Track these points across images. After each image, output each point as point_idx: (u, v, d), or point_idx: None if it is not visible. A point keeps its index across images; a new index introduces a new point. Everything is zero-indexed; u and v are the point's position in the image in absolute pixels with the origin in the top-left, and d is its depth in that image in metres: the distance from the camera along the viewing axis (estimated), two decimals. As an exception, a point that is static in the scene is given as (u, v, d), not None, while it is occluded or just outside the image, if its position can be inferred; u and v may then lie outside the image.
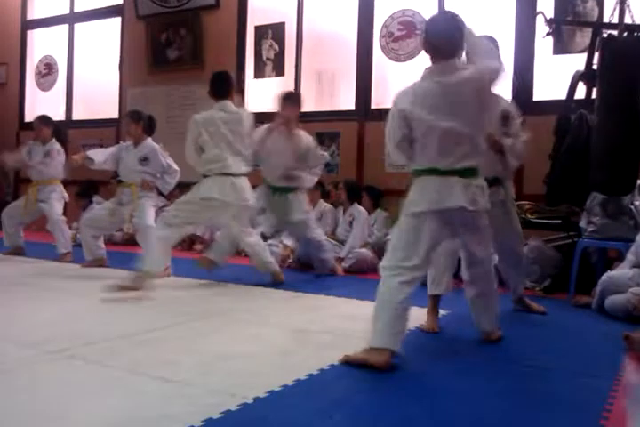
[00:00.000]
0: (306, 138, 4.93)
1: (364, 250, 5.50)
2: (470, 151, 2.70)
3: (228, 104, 4.40)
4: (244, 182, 4.37)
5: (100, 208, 5.46)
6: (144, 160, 5.13)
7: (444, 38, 2.74)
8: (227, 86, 4.46)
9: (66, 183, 5.99)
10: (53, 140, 5.84)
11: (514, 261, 3.78)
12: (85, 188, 7.12)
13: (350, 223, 5.75)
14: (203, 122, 4.34)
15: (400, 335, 2.60)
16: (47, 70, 9.27)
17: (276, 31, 7.27)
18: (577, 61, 5.07)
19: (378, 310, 2.62)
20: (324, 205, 5.98)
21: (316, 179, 5.25)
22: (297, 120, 4.88)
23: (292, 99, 4.88)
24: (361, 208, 5.78)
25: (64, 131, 6.19)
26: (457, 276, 3.41)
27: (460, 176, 2.68)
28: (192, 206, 4.30)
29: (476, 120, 2.71)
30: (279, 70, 7.25)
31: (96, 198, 7.20)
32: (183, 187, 7.02)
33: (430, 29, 2.81)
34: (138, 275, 4.05)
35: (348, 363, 2.57)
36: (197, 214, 4.35)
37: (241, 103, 5.03)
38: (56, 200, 5.76)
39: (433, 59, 2.76)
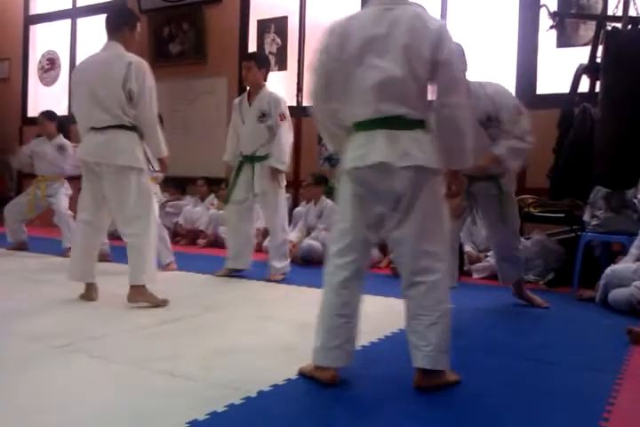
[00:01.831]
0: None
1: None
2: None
3: None
4: None
5: None
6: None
7: None
8: None
9: (73, 178, 6.00)
10: (60, 135, 5.90)
11: (508, 255, 3.77)
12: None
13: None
14: None
15: (342, 348, 2.30)
16: (50, 65, 9.27)
17: (279, 25, 7.25)
18: (581, 54, 5.05)
19: (318, 320, 2.36)
20: (325, 201, 5.93)
21: None
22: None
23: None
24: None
25: (67, 126, 6.20)
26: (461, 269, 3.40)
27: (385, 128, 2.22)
28: None
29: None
30: (282, 64, 7.23)
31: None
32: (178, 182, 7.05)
33: None
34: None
35: (303, 376, 2.34)
36: None
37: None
38: (63, 195, 5.86)
39: None
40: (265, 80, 4.66)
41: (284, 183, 4.69)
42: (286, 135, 4.55)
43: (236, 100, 4.79)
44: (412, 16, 2.22)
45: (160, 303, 3.55)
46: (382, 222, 2.29)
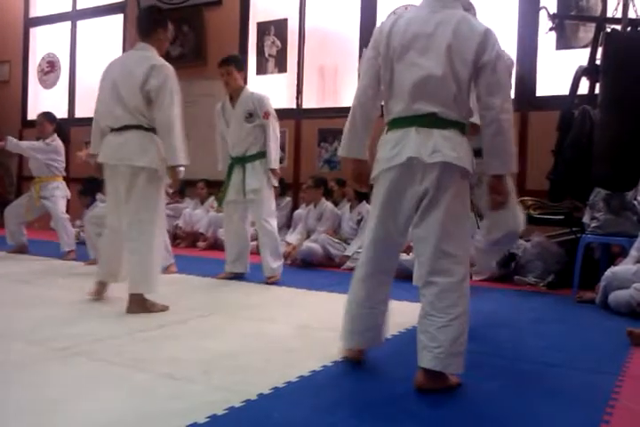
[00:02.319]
0: None
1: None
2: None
3: None
4: None
5: (103, 206, 5.46)
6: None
7: None
8: None
9: (69, 181, 6.00)
10: (55, 135, 5.87)
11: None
12: (89, 185, 7.11)
13: (358, 222, 5.70)
14: None
15: (364, 334, 2.50)
16: (50, 68, 9.28)
17: (279, 28, 7.26)
18: (580, 56, 5.06)
19: (345, 307, 2.54)
20: (325, 203, 5.93)
21: None
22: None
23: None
24: (370, 207, 5.70)
25: (65, 129, 6.21)
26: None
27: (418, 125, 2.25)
28: None
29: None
30: (282, 67, 7.24)
31: (99, 196, 7.18)
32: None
33: None
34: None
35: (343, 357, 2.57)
36: None
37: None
38: (60, 198, 5.82)
39: None
40: (243, 82, 4.70)
41: (276, 182, 4.74)
42: (274, 134, 4.58)
43: (218, 107, 4.80)
44: (459, 19, 2.26)
45: (159, 310, 3.48)
46: (408, 223, 2.33)
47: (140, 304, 3.46)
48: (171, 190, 5.15)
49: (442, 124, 2.23)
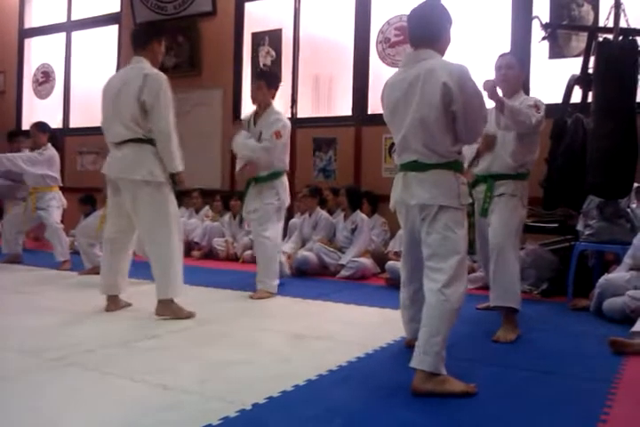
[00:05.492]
0: None
1: (363, 259, 5.49)
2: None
3: None
4: None
5: (93, 217, 5.46)
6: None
7: (417, 23, 2.58)
8: None
9: (64, 190, 5.99)
10: (49, 144, 5.84)
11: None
12: (88, 195, 7.11)
13: (352, 231, 5.70)
14: None
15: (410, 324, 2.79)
16: (44, 78, 9.28)
17: (273, 38, 7.28)
18: (573, 65, 5.08)
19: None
20: (320, 212, 5.94)
21: None
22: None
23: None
24: (364, 216, 5.72)
25: (59, 138, 6.20)
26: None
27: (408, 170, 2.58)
28: None
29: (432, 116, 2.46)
30: (276, 77, 7.26)
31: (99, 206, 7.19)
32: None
33: (409, 14, 2.62)
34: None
35: None
36: None
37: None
38: (55, 208, 5.80)
39: (410, 45, 2.65)
40: (273, 99, 4.59)
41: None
42: (269, 146, 4.35)
43: (244, 118, 4.69)
44: (425, 73, 2.44)
45: (186, 317, 3.57)
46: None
47: (167, 308, 3.59)
48: None
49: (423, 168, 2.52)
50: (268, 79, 4.58)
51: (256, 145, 4.40)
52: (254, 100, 4.56)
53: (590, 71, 4.59)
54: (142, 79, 3.53)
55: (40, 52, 9.48)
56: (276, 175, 4.49)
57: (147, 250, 3.70)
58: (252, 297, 4.33)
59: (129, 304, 3.86)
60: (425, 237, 2.51)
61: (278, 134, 4.38)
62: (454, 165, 2.53)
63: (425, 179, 2.50)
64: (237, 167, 4.62)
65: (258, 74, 4.50)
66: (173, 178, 3.65)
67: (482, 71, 5.62)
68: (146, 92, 3.51)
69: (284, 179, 4.56)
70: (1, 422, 1.96)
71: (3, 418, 1.99)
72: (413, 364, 2.35)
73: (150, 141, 3.58)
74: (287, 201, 4.60)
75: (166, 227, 3.59)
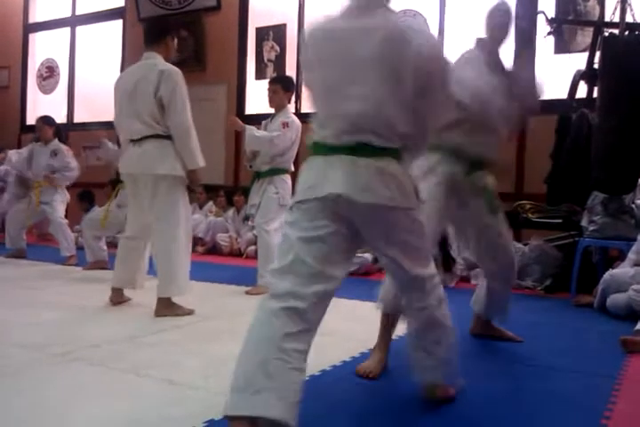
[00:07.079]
0: None
1: (367, 255, 5.50)
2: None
3: None
4: None
5: (100, 210, 5.47)
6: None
7: None
8: None
9: (67, 185, 6.00)
10: (56, 140, 5.87)
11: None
12: (85, 191, 7.13)
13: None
14: None
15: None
16: (49, 73, 9.30)
17: (277, 33, 7.28)
18: (578, 60, 5.07)
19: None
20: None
21: None
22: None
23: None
24: None
25: (64, 133, 6.21)
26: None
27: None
28: None
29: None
30: (280, 72, 7.24)
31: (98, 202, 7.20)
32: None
33: None
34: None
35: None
36: None
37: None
38: (59, 202, 5.80)
39: None
40: (289, 102, 4.67)
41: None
42: (274, 137, 4.42)
43: (265, 122, 4.76)
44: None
45: (185, 314, 3.55)
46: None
47: (167, 307, 3.55)
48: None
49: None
50: (284, 83, 4.64)
51: (264, 133, 4.50)
52: (271, 102, 4.63)
53: (596, 66, 4.58)
54: (158, 75, 3.50)
55: (44, 47, 9.50)
56: (275, 171, 4.53)
57: (153, 246, 3.67)
58: (248, 293, 4.32)
59: (129, 299, 3.85)
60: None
61: (286, 125, 4.46)
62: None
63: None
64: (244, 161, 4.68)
65: (274, 78, 4.70)
66: (189, 176, 3.66)
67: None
68: (162, 89, 3.49)
69: (286, 177, 4.58)
70: (6, 416, 1.97)
71: (8, 413, 2.00)
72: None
73: (170, 137, 3.57)
74: (288, 199, 4.60)
75: (176, 225, 3.57)
